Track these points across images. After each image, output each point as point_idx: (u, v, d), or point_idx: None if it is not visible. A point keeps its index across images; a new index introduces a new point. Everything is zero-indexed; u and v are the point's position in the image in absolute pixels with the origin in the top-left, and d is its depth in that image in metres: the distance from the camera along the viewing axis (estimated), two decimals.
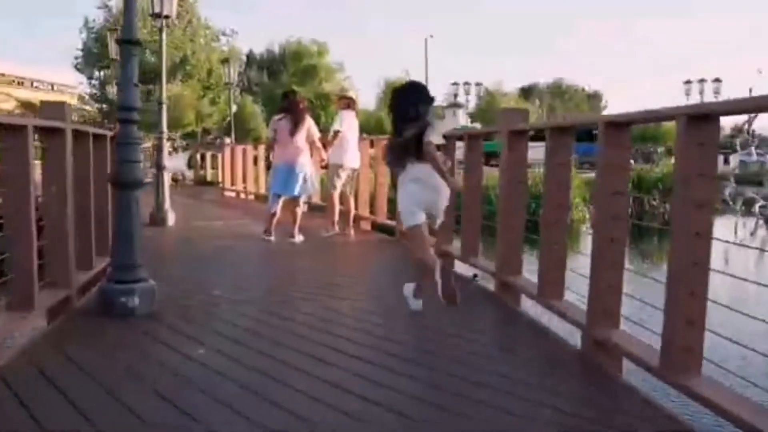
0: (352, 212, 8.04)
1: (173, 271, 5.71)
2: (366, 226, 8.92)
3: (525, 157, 4.72)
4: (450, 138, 5.81)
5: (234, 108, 31.89)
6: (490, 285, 4.95)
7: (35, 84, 38.96)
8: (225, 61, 18.67)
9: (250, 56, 48.29)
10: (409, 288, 4.11)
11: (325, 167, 7.77)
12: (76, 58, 32.62)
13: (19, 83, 38.06)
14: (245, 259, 6.61)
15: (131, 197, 4.12)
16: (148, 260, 4.29)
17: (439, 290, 3.96)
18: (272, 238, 7.29)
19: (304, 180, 7.18)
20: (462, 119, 33.36)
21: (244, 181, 14.81)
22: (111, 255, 4.26)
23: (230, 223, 9.66)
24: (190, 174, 21.46)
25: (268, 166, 7.98)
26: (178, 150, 23.21)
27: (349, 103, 7.88)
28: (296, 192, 7.19)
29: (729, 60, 74.43)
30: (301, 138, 7.14)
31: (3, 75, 38.23)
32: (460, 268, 5.49)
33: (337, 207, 7.73)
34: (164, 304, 4.17)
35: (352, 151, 7.68)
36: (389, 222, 8.16)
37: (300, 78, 26.24)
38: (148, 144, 25.72)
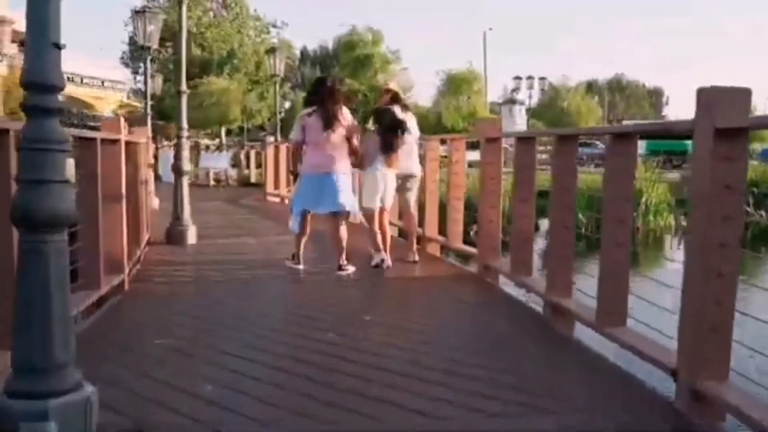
0: (415, 232, 6.52)
1: (150, 349, 3.61)
2: (434, 250, 7.05)
3: (573, 163, 4.27)
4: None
5: (287, 104, 30.83)
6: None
7: (85, 80, 38.83)
8: (271, 51, 16.97)
9: (303, 52, 47.27)
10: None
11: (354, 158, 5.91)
12: (123, 52, 31.79)
13: (69, 79, 37.75)
14: (273, 317, 4.51)
15: (42, 243, 2.30)
16: (126, 317, 3.42)
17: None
18: (301, 266, 5.76)
19: (338, 194, 5.48)
20: (519, 117, 31.08)
21: (289, 184, 13.05)
22: (12, 347, 2.44)
23: (266, 241, 7.90)
24: (234, 174, 20.00)
25: (295, 177, 5.99)
26: (223, 148, 21.86)
27: (393, 96, 6.31)
28: (341, 206, 5.51)
29: None
30: (338, 137, 5.50)
31: None
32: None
33: (378, 226, 5.97)
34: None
35: (404, 154, 6.06)
36: (468, 248, 6.27)
37: (352, 69, 24.44)
38: (190, 142, 24.68)
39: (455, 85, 25.87)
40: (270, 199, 13.80)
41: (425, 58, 79.68)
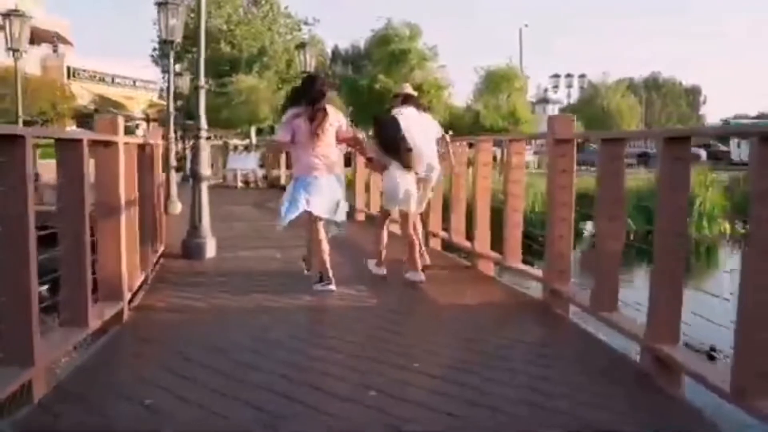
0: (416, 241, 5.73)
1: (134, 413, 2.78)
2: (487, 268, 6.12)
3: (621, 169, 3.93)
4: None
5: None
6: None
7: (116, 80, 38.70)
8: (301, 46, 16.13)
9: (335, 51, 46.43)
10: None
11: (369, 163, 5.99)
12: (154, 50, 31.34)
13: (100, 79, 37.76)
14: (297, 370, 3.41)
15: None
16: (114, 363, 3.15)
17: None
18: (332, 286, 5.21)
19: (336, 203, 5.29)
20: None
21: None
22: None
23: (294, 256, 6.95)
24: (262, 175, 19.22)
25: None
26: (251, 148, 21.11)
27: (405, 98, 5.95)
28: (328, 213, 5.25)
29: None
30: (328, 139, 5.24)
31: (84, 70, 38.03)
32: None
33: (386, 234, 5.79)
34: None
35: (420, 156, 5.64)
36: (531, 270, 5.30)
37: (387, 65, 23.38)
38: (218, 142, 24.07)
39: (494, 82, 24.66)
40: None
41: (460, 54, 78.24)
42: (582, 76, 35.39)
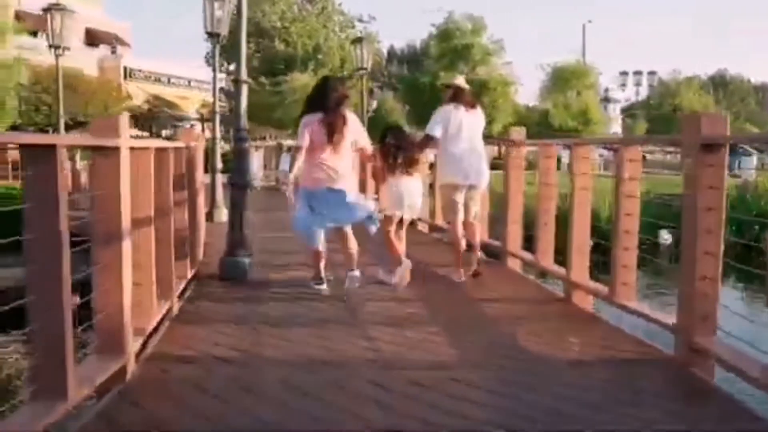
0: (478, 245, 5.84)
1: None
2: (583, 301, 4.95)
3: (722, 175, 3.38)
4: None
5: (374, 104, 29.17)
6: None
7: (172, 80, 38.72)
8: (357, 41, 15.12)
9: (390, 52, 45.66)
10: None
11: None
12: (208, 51, 30.95)
13: (156, 79, 37.83)
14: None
15: None
16: None
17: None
18: (324, 286, 5.23)
19: (354, 205, 5.06)
20: (613, 116, 28.03)
21: (376, 192, 11.08)
22: None
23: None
24: None
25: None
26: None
27: (455, 92, 5.50)
28: (356, 218, 5.11)
29: None
30: (343, 149, 4.98)
31: (141, 71, 38.14)
32: None
33: (463, 241, 5.65)
34: None
35: (466, 162, 5.43)
36: (659, 317, 4.05)
37: (449, 61, 22.18)
38: (272, 143, 23.36)
39: (563, 79, 23.17)
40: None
41: (522, 50, 75.94)
42: (652, 73, 33.39)
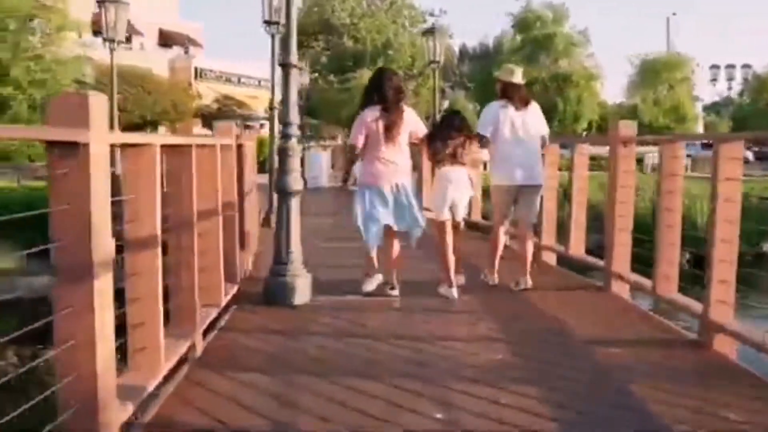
0: (530, 253, 5.35)
1: None
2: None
3: None
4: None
5: (445, 104, 28.07)
6: None
7: (242, 80, 38.78)
8: (429, 32, 14.03)
9: (462, 50, 44.44)
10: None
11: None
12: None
13: (227, 79, 37.98)
14: None
15: None
16: None
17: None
18: (377, 279, 5.08)
19: (411, 209, 4.89)
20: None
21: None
22: None
23: (428, 306, 4.95)
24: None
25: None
26: None
27: (504, 88, 5.23)
28: (408, 225, 4.94)
29: None
30: (401, 144, 4.86)
31: (212, 71, 38.32)
32: None
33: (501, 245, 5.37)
34: None
35: (516, 162, 5.11)
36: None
37: (528, 53, 20.71)
38: (340, 142, 22.57)
39: (653, 72, 21.27)
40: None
41: (605, 42, 72.42)
42: (746, 66, 30.89)
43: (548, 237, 6.61)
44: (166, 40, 41.30)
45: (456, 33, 50.70)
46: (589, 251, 6.13)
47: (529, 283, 5.16)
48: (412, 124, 4.92)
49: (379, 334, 4.10)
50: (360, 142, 4.84)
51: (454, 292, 4.94)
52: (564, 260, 6.43)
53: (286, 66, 4.72)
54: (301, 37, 27.93)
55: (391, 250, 5.00)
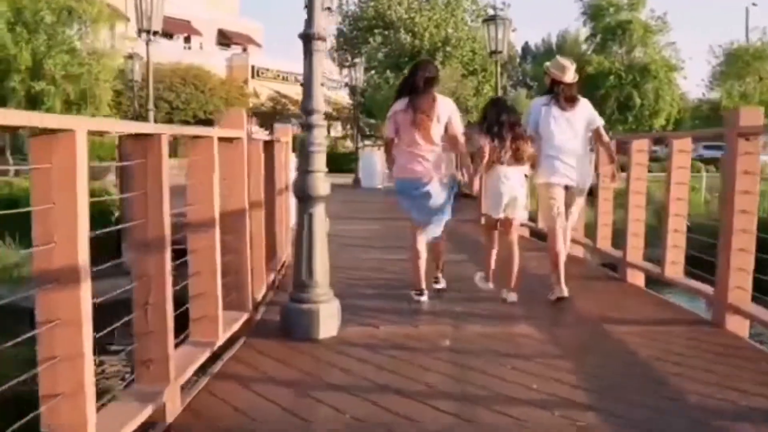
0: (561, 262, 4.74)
1: None
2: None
3: None
4: None
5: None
6: None
7: (298, 78, 38.53)
8: (491, 19, 12.88)
9: (525, 48, 43.08)
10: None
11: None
12: (333, 45, 29.85)
13: (283, 78, 37.84)
14: None
15: None
16: None
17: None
18: (424, 297, 4.68)
19: (438, 204, 4.57)
20: None
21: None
22: None
23: (485, 353, 3.92)
24: (464, 178, 16.07)
25: None
26: None
27: (550, 85, 4.89)
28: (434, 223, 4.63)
29: None
30: (432, 136, 4.47)
31: (268, 70, 38.15)
32: None
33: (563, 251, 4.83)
34: None
35: (561, 161, 4.76)
36: None
37: (602, 42, 19.09)
38: None
39: (741, 63, 19.33)
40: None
41: (690, 28, 68.05)
42: None
43: (635, 252, 5.59)
44: (225, 39, 41.44)
45: (519, 30, 49.12)
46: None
47: (565, 291, 4.71)
48: (447, 114, 4.53)
49: (423, 389, 3.07)
50: (390, 135, 4.62)
51: (491, 284, 4.86)
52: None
53: (308, 38, 3.73)
54: (356, 33, 27.24)
55: (433, 245, 4.80)
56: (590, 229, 6.59)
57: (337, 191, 11.39)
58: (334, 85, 34.97)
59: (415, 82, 4.51)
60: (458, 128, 4.61)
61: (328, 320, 3.84)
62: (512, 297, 4.69)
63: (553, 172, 4.84)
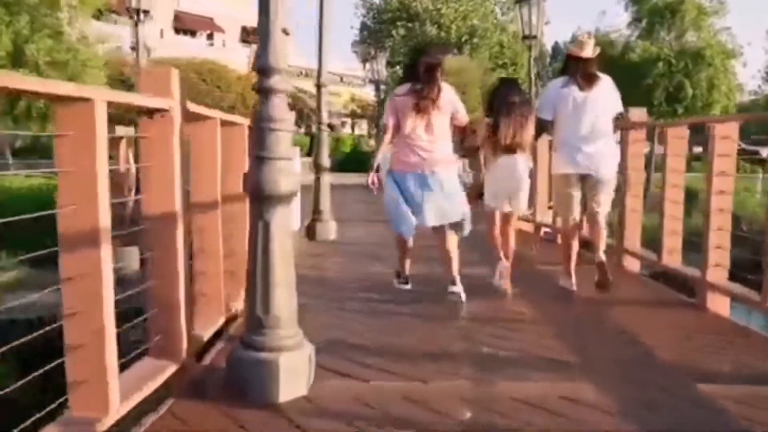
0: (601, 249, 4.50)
1: None
2: None
3: None
4: None
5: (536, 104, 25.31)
6: None
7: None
8: (523, 0, 11.56)
9: (555, 48, 41.82)
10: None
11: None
12: (356, 38, 28.79)
13: (306, 75, 37.00)
14: None
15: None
16: None
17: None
18: (407, 286, 4.52)
19: (446, 203, 4.16)
20: None
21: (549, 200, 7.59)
22: None
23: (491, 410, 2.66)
24: (468, 179, 14.89)
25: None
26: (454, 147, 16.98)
27: (566, 64, 4.63)
28: (446, 218, 4.20)
29: None
30: (437, 125, 4.16)
31: (290, 66, 37.25)
32: None
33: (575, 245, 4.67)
34: None
35: (580, 148, 4.45)
36: None
37: (648, 26, 17.43)
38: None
39: None
40: (520, 225, 8.45)
41: (744, 12, 64.22)
42: None
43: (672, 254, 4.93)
44: (248, 36, 40.79)
45: (550, 30, 47.72)
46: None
47: (575, 285, 4.58)
48: (451, 103, 4.25)
49: None
50: (390, 122, 4.22)
51: (505, 282, 4.55)
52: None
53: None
54: (380, 26, 26.08)
55: (444, 243, 4.31)
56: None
57: (355, 191, 10.17)
58: (359, 82, 33.92)
59: (417, 69, 4.18)
60: (463, 115, 4.33)
61: (293, 375, 2.63)
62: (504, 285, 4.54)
63: (570, 161, 4.52)
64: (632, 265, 5.53)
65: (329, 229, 7.35)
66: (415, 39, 23.00)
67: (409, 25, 24.05)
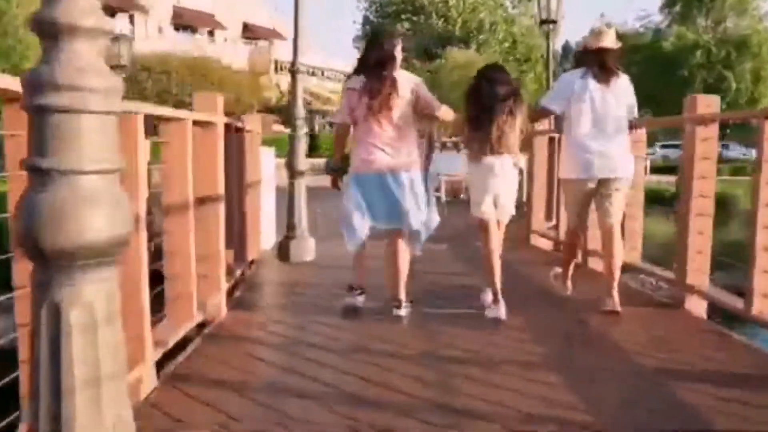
0: (618, 265, 4.10)
1: None
2: None
3: None
4: None
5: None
6: None
7: (326, 74, 37.05)
8: None
9: (566, 47, 40.89)
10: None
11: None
12: (358, 34, 27.64)
13: (311, 74, 36.01)
14: None
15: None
16: None
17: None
18: (361, 298, 4.02)
19: (404, 205, 3.79)
20: None
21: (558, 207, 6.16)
22: None
23: None
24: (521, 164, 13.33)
25: (337, 172, 4.04)
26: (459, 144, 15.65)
27: (581, 56, 4.32)
28: (403, 222, 3.83)
29: None
30: (396, 119, 3.78)
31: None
32: None
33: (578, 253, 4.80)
34: None
35: (592, 150, 4.06)
36: None
37: (682, 11, 15.99)
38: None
39: None
40: (537, 242, 7.06)
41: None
42: None
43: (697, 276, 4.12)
44: (250, 33, 39.87)
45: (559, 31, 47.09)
46: None
47: (617, 304, 3.97)
48: (411, 90, 3.80)
49: None
50: (343, 119, 3.93)
51: (503, 310, 3.84)
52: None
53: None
54: (383, 20, 24.84)
55: (393, 255, 3.89)
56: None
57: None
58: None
59: (373, 57, 3.78)
60: (431, 101, 3.87)
61: None
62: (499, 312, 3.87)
63: (577, 163, 4.16)
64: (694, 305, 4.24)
65: (306, 247, 5.98)
66: (420, 33, 21.76)
67: (414, 18, 22.83)
